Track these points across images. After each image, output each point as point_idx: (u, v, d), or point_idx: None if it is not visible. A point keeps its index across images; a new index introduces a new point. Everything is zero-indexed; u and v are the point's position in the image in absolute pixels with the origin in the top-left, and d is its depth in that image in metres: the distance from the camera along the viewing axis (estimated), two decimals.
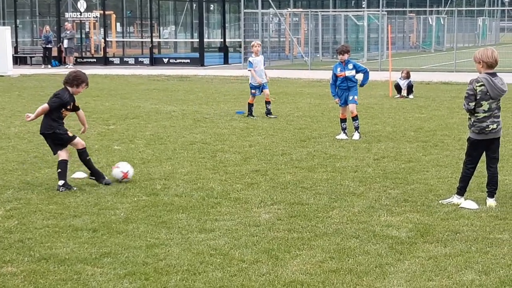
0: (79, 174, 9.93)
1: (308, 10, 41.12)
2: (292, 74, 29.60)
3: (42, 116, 9.38)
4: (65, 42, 35.76)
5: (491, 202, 8.34)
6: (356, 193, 8.99)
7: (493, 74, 8.20)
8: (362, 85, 13.53)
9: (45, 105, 9.27)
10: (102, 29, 39.72)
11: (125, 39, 45.95)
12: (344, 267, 6.28)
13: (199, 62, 35.96)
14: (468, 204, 8.26)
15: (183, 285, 5.90)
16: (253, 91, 16.39)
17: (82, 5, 37.46)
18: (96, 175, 9.53)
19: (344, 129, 13.34)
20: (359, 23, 41.12)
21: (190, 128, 14.66)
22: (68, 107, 9.37)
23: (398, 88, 20.51)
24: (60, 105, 9.28)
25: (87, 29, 40.65)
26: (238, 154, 11.69)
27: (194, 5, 47.74)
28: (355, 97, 13.38)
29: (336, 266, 6.29)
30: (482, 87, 8.13)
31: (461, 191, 8.47)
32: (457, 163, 10.45)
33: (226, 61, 37.81)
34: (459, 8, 46.15)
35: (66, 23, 36.73)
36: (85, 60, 38.06)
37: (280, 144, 12.61)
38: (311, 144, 12.62)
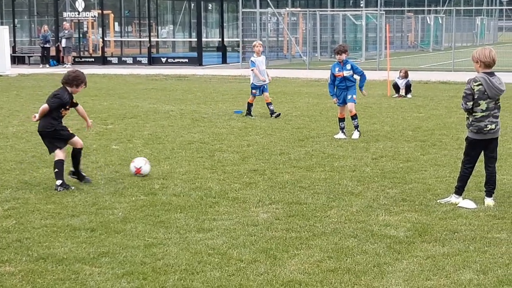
0: None
1: (306, 9, 41.16)
2: (290, 74, 29.59)
3: None
4: (63, 41, 35.71)
5: (489, 201, 8.34)
6: (354, 192, 8.99)
7: (491, 74, 8.20)
8: (360, 87, 13.54)
9: (45, 106, 9.25)
10: (100, 29, 39.70)
11: (123, 39, 45.98)
12: (342, 266, 6.28)
13: (197, 61, 35.94)
14: (466, 203, 8.26)
15: (181, 284, 5.90)
16: (254, 91, 16.37)
17: (80, 4, 37.43)
18: (79, 175, 9.57)
19: (342, 129, 13.34)
20: (357, 23, 41.14)
21: (188, 127, 14.64)
22: (67, 107, 9.38)
23: (396, 87, 20.50)
24: (60, 105, 9.28)
25: (85, 29, 40.62)
26: (236, 153, 11.68)
27: (192, 4, 47.77)
28: (354, 96, 13.39)
29: (334, 266, 6.29)
30: (480, 86, 8.13)
31: (459, 191, 8.47)
32: (455, 163, 10.45)
33: (224, 61, 37.79)
34: (457, 8, 46.11)
35: (64, 23, 36.71)
36: (83, 59, 38.01)
37: (278, 144, 12.60)
38: (309, 143, 12.62)
